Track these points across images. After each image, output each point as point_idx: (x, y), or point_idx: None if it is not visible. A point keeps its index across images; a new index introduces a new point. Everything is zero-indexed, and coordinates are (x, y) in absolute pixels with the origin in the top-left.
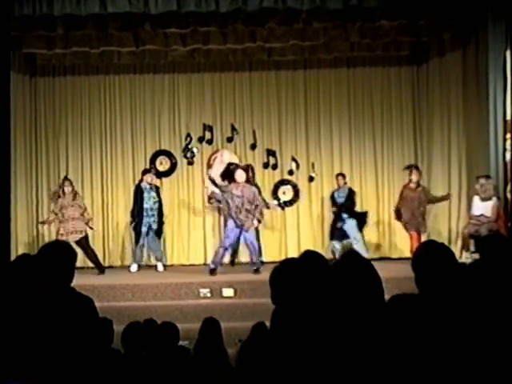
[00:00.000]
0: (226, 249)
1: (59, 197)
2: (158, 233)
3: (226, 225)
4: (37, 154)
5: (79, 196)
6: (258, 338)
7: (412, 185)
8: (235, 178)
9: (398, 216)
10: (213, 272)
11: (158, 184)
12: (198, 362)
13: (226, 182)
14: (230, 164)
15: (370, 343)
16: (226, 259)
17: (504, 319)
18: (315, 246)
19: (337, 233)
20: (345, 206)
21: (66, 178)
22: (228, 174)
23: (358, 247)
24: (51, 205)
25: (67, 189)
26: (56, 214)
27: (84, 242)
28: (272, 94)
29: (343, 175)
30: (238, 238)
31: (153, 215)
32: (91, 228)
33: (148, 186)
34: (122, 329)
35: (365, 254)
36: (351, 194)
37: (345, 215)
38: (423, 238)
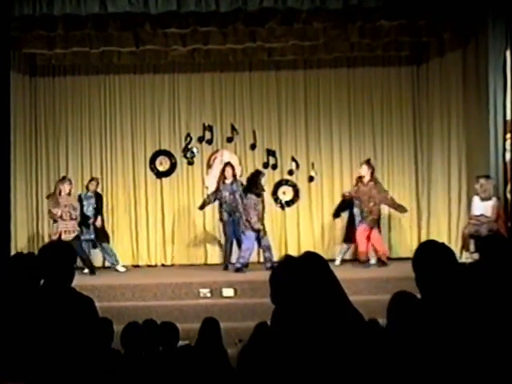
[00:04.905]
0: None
1: (53, 194)
2: (102, 239)
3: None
4: (37, 154)
5: (74, 197)
6: (259, 338)
7: (364, 179)
8: (262, 184)
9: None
10: (239, 270)
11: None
12: (197, 362)
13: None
14: (254, 174)
15: (370, 343)
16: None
17: (504, 319)
18: (315, 246)
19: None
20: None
21: (64, 178)
22: (252, 183)
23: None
24: (50, 203)
25: (63, 188)
26: (53, 213)
27: (76, 244)
28: (272, 94)
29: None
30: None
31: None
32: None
33: (89, 194)
34: (121, 329)
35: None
36: None
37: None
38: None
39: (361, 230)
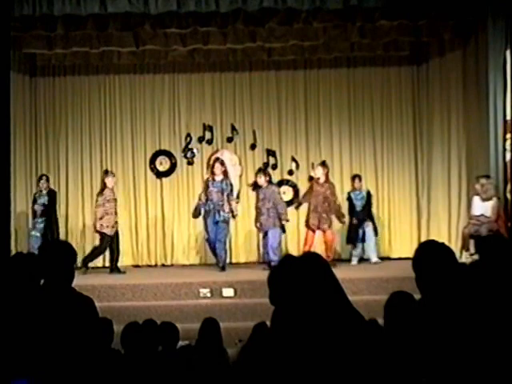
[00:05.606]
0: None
1: (102, 190)
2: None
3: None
4: (37, 154)
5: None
6: (258, 338)
7: (320, 180)
8: (257, 180)
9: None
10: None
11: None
12: (197, 362)
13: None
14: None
15: (370, 343)
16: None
17: (504, 319)
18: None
19: (356, 236)
20: (365, 209)
21: (107, 172)
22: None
23: (370, 249)
24: (98, 198)
25: (108, 181)
26: (101, 206)
27: (115, 237)
28: (272, 94)
29: (359, 177)
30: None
31: (43, 221)
32: None
33: (43, 192)
34: (122, 329)
35: (374, 258)
36: (369, 197)
37: (364, 218)
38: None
39: (331, 236)
